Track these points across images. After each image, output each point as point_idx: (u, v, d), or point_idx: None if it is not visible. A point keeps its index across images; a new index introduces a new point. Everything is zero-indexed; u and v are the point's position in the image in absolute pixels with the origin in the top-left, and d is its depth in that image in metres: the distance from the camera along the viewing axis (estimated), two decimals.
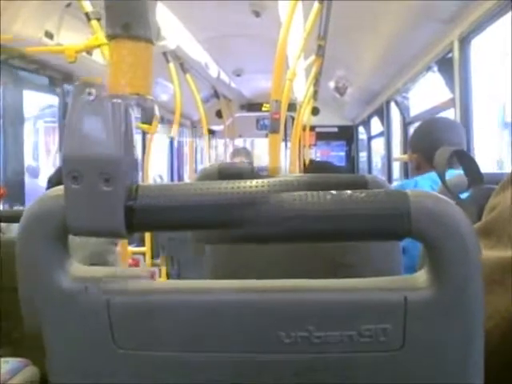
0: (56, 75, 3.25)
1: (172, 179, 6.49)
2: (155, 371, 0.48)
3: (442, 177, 0.91)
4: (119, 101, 0.46)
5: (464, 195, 0.97)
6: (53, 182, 2.12)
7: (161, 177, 6.23)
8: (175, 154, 6.61)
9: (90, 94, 0.45)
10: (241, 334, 0.46)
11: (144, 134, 4.15)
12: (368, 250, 0.96)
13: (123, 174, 0.45)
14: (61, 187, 0.46)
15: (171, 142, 6.61)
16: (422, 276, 0.45)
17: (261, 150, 7.99)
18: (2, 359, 1.42)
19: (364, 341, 0.45)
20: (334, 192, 0.44)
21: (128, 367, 0.48)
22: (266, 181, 0.45)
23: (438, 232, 0.43)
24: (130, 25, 0.45)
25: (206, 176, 1.05)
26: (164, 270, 3.49)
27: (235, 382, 0.47)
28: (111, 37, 0.46)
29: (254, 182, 0.45)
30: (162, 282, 0.49)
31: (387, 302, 0.45)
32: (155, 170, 5.75)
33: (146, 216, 0.46)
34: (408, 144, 1.89)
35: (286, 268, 0.96)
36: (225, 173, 1.04)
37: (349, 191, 0.44)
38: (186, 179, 6.32)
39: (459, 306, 0.44)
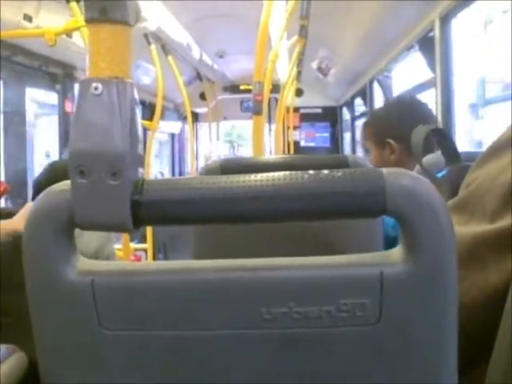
0: (57, 71, 3.22)
1: (173, 176, 6.45)
2: (141, 351, 0.49)
3: (418, 156, 0.93)
4: (127, 95, 0.46)
5: (441, 174, 0.99)
6: (42, 184, 2.00)
7: (162, 174, 6.19)
8: (176, 150, 6.56)
9: (96, 88, 0.46)
10: (223, 312, 0.47)
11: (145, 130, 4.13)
12: (349, 227, 0.98)
13: (130, 168, 0.46)
14: (67, 182, 0.47)
15: (172, 137, 6.56)
16: (397, 252, 0.47)
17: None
18: None
19: (342, 315, 0.46)
20: (311, 172, 0.45)
21: (114, 348, 0.49)
22: (270, 174, 0.46)
23: (412, 209, 0.44)
24: (108, 9, 0.45)
25: (209, 171, 1.06)
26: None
27: (219, 358, 0.49)
28: (89, 21, 0.46)
29: (259, 176, 0.46)
30: (145, 262, 0.50)
31: (364, 277, 0.46)
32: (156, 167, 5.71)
33: (152, 210, 0.46)
34: (372, 132, 1.50)
35: (270, 248, 0.98)
36: (227, 168, 1.05)
37: (326, 170, 0.45)
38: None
39: (433, 281, 0.45)
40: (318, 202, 0.45)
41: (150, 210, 0.46)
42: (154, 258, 3.71)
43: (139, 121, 0.48)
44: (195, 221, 0.53)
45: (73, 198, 0.46)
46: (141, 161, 0.48)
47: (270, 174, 0.46)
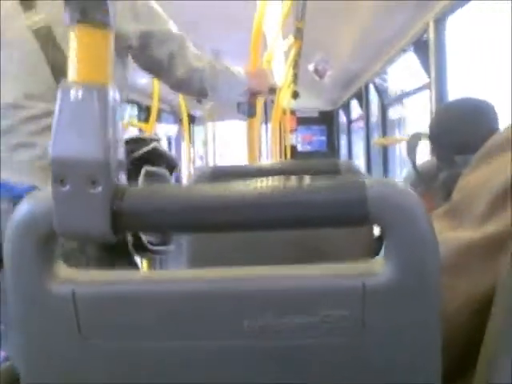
0: None
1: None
2: (123, 360, 0.48)
3: (412, 162, 0.93)
4: (108, 102, 0.46)
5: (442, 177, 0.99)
6: None
7: None
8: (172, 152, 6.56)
9: (76, 93, 0.45)
10: (205, 322, 0.47)
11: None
12: (339, 233, 0.98)
13: (110, 175, 0.45)
14: (48, 190, 0.46)
15: (169, 140, 6.55)
16: (380, 261, 0.46)
17: None
18: None
19: (324, 326, 0.45)
20: (292, 180, 0.45)
21: (96, 357, 0.48)
22: (252, 183, 0.46)
23: (393, 218, 0.44)
24: (88, 13, 0.45)
25: (200, 178, 1.06)
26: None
27: (200, 369, 0.48)
28: (69, 23, 0.46)
29: (241, 185, 0.45)
30: (127, 272, 0.50)
31: (346, 289, 0.45)
32: None
33: (132, 218, 0.46)
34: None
35: (260, 254, 0.97)
36: (218, 174, 1.05)
37: (308, 180, 0.45)
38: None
39: (415, 290, 0.45)
40: (299, 212, 0.44)
41: (130, 219, 0.46)
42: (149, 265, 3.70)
43: (120, 126, 0.47)
44: (175, 229, 0.52)
45: (53, 207, 0.45)
46: (122, 167, 0.48)
47: (252, 183, 0.45)
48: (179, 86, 1.45)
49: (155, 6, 1.36)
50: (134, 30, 1.29)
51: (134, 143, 1.30)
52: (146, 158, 1.30)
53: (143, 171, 1.27)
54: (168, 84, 1.47)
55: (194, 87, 1.45)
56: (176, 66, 1.38)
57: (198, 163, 5.87)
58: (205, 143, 6.83)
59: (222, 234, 0.91)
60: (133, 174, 1.27)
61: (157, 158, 1.34)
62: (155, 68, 1.41)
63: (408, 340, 0.46)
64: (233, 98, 1.63)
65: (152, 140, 1.34)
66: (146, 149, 1.30)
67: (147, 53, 1.35)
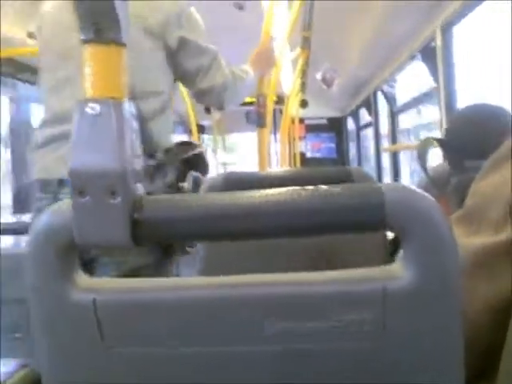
0: None
1: None
2: (145, 367, 0.49)
3: (424, 167, 0.93)
4: (124, 115, 0.47)
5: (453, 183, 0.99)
6: None
7: None
8: None
9: (93, 109, 0.46)
10: (227, 328, 0.47)
11: None
12: (354, 239, 0.98)
13: (129, 186, 0.46)
14: (68, 201, 0.47)
15: None
16: (399, 265, 0.46)
17: None
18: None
19: (345, 331, 0.46)
20: (309, 187, 0.45)
21: (119, 365, 0.49)
22: (270, 191, 0.46)
23: (412, 223, 0.44)
24: (103, 30, 0.46)
25: (212, 186, 1.07)
26: None
27: (222, 374, 0.48)
28: (84, 42, 0.47)
29: (258, 193, 0.46)
30: (147, 279, 0.51)
31: (367, 293, 0.46)
32: None
33: (152, 227, 0.46)
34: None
35: (277, 261, 0.97)
36: (231, 182, 1.05)
37: (324, 186, 0.45)
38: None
39: (436, 293, 0.45)
40: (316, 219, 0.45)
41: (149, 228, 0.46)
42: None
43: (137, 138, 0.48)
44: (195, 238, 0.52)
45: (73, 218, 0.46)
46: (140, 178, 0.48)
47: (270, 191, 0.46)
48: (199, 96, 1.56)
49: (199, 18, 1.48)
50: (176, 36, 1.42)
51: (184, 146, 1.41)
52: (190, 161, 1.39)
53: (191, 177, 1.33)
54: (189, 92, 1.60)
55: (214, 100, 1.56)
56: (200, 79, 1.49)
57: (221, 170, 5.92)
58: (215, 150, 6.83)
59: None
60: (180, 176, 1.36)
61: (199, 162, 1.43)
62: (182, 76, 1.52)
63: (429, 344, 0.46)
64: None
65: (195, 145, 1.44)
66: (193, 152, 1.39)
67: (179, 60, 1.45)
